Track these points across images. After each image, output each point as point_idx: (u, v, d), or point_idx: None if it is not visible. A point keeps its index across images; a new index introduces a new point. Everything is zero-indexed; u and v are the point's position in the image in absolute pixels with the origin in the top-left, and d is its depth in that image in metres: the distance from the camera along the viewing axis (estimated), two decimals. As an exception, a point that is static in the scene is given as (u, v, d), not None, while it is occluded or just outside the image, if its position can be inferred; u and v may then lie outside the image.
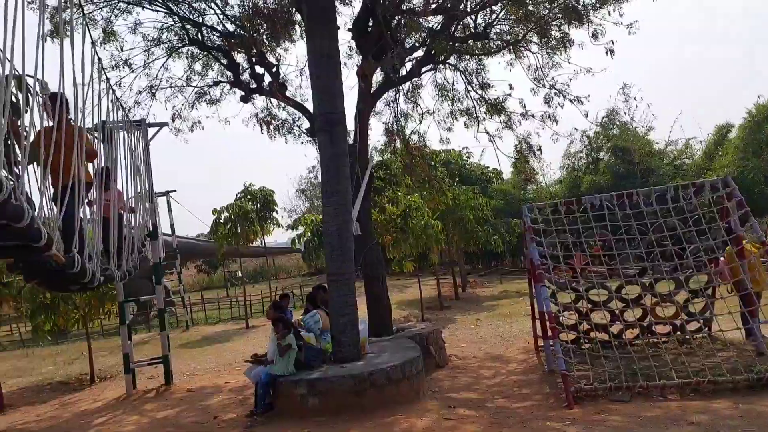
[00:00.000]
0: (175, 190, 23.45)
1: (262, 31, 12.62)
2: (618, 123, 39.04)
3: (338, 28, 10.14)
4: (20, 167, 3.41)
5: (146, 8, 13.19)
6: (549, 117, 13.90)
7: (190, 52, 13.96)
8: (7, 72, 3.40)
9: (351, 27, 12.17)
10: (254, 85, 13.15)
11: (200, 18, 13.28)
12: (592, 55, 13.43)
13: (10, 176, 3.47)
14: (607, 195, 10.35)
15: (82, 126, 5.59)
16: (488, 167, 37.95)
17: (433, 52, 12.94)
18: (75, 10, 5.63)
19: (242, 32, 12.86)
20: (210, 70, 14.25)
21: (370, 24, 11.79)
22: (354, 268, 9.22)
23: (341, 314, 8.77)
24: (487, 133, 14.84)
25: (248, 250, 30.99)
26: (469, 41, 14.18)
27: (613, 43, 12.05)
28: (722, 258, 9.59)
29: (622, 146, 36.16)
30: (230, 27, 13.37)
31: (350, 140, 11.31)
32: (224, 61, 13.47)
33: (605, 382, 7.71)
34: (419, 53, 13.53)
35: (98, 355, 15.62)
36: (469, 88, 14.92)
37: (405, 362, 8.21)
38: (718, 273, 9.51)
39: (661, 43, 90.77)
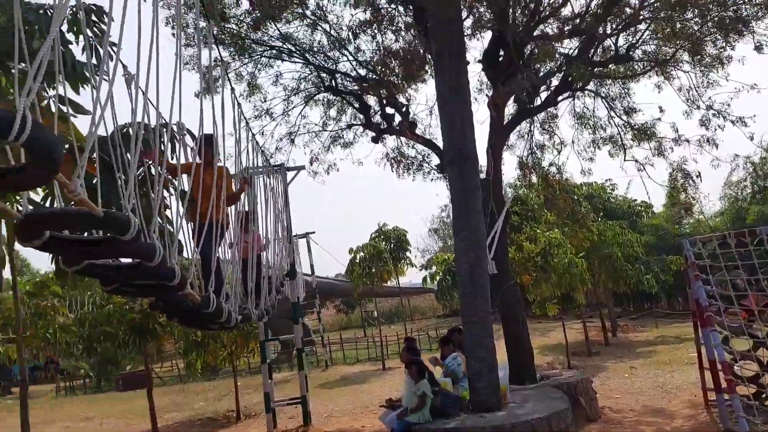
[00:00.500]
0: (313, 232, 24.36)
1: (392, 73, 12.81)
2: (790, 145, 34.36)
3: (468, 62, 9.93)
4: (154, 206, 3.44)
5: (285, 61, 14.03)
6: (707, 141, 12.49)
7: (325, 99, 14.60)
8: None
9: (481, 59, 11.92)
10: (384, 126, 13.32)
11: (334, 65, 13.85)
12: (757, 68, 11.93)
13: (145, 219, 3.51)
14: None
15: (227, 167, 5.77)
16: (635, 200, 35.16)
17: (570, 78, 12.26)
18: (222, 68, 5.98)
19: (374, 75, 13.16)
20: (343, 115, 14.78)
21: (501, 54, 11.46)
22: (490, 309, 8.64)
23: (477, 358, 8.17)
24: (636, 161, 13.70)
25: (383, 289, 31.24)
26: (610, 65, 13.32)
27: (782, 54, 10.55)
28: None
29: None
30: (362, 72, 13.78)
31: (482, 175, 10.91)
32: (356, 105, 13.87)
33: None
34: (554, 81, 12.95)
35: (244, 392, 16.28)
36: (612, 114, 13.94)
37: (552, 414, 7.42)
38: None
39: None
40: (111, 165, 3.41)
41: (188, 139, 4.82)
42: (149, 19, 3.14)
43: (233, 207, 6.73)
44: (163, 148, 4.42)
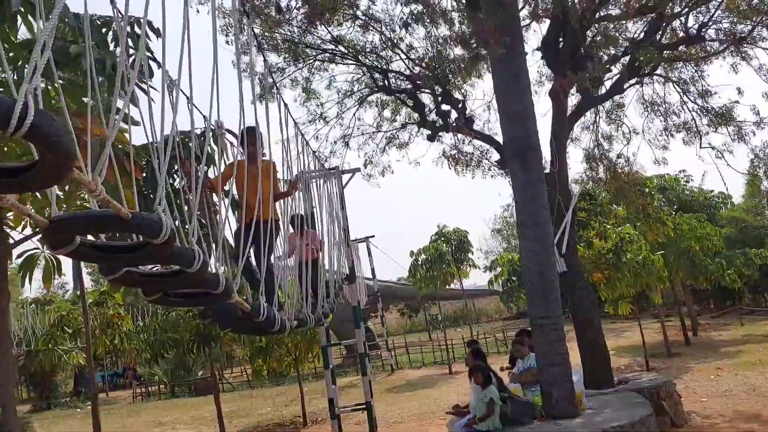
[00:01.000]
0: (373, 236, 24.09)
1: (449, 66, 12.41)
2: None
3: (526, 53, 9.45)
4: (192, 205, 3.26)
5: (339, 63, 13.91)
6: (792, 123, 11.47)
7: (379, 100, 14.38)
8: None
9: (540, 46, 11.37)
10: (440, 123, 12.94)
11: (387, 65, 13.60)
12: None
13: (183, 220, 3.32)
14: None
15: (274, 162, 5.52)
16: (712, 191, 33.07)
17: (637, 63, 11.53)
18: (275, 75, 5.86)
19: (428, 72, 12.80)
20: (398, 115, 14.50)
21: (561, 40, 10.88)
22: (561, 311, 8.10)
23: (550, 364, 7.67)
24: (713, 147, 12.79)
25: (446, 292, 30.75)
26: (680, 47, 12.47)
27: None
28: None
29: None
30: (416, 69, 13.44)
31: (546, 169, 10.36)
32: (410, 103, 13.56)
33: None
34: (619, 67, 12.21)
35: (311, 398, 16.25)
36: (686, 98, 13.04)
37: (634, 421, 6.88)
38: None
39: None
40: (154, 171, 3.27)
41: (230, 137, 4.62)
42: (201, 27, 2.99)
43: (286, 208, 6.53)
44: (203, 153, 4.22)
